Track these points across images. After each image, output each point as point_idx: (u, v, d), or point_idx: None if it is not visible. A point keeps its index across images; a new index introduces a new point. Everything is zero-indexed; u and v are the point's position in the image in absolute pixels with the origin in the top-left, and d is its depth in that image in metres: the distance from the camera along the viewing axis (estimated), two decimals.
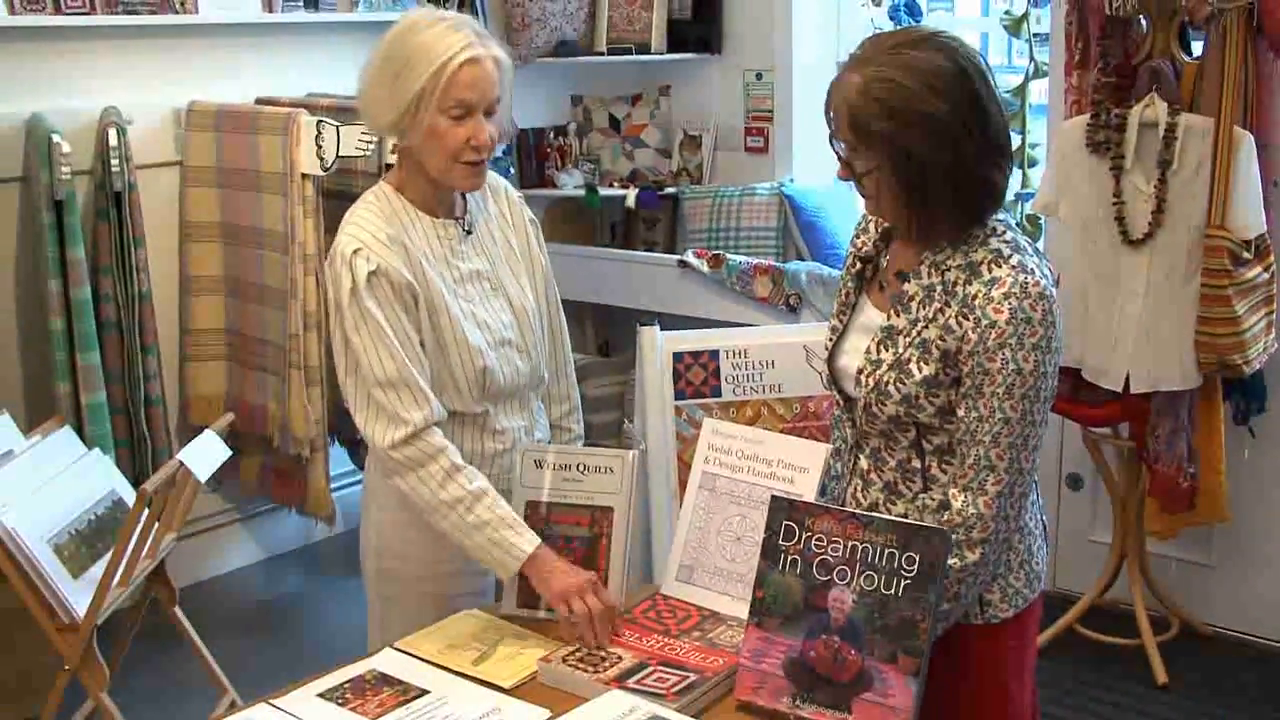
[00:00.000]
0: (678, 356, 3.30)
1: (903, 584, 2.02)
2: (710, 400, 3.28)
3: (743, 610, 2.21)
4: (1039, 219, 4.50)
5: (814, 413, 3.25)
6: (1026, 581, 2.28)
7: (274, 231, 4.35)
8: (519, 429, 2.63)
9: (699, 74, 5.58)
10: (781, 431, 2.88)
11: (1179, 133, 3.63)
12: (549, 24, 5.43)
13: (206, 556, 4.92)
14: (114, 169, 4.10)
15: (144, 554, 3.35)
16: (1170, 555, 4.34)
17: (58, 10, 4.27)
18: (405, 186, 2.53)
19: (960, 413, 2.15)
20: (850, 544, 2.07)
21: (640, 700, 2.09)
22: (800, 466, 2.41)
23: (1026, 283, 2.09)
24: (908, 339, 2.18)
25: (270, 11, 4.81)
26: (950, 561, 2.09)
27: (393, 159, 4.16)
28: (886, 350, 2.21)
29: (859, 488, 2.32)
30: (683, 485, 3.13)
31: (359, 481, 2.70)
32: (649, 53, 5.47)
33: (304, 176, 4.25)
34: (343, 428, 4.69)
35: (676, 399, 3.29)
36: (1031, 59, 4.70)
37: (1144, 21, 3.80)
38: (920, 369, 2.16)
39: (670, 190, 5.54)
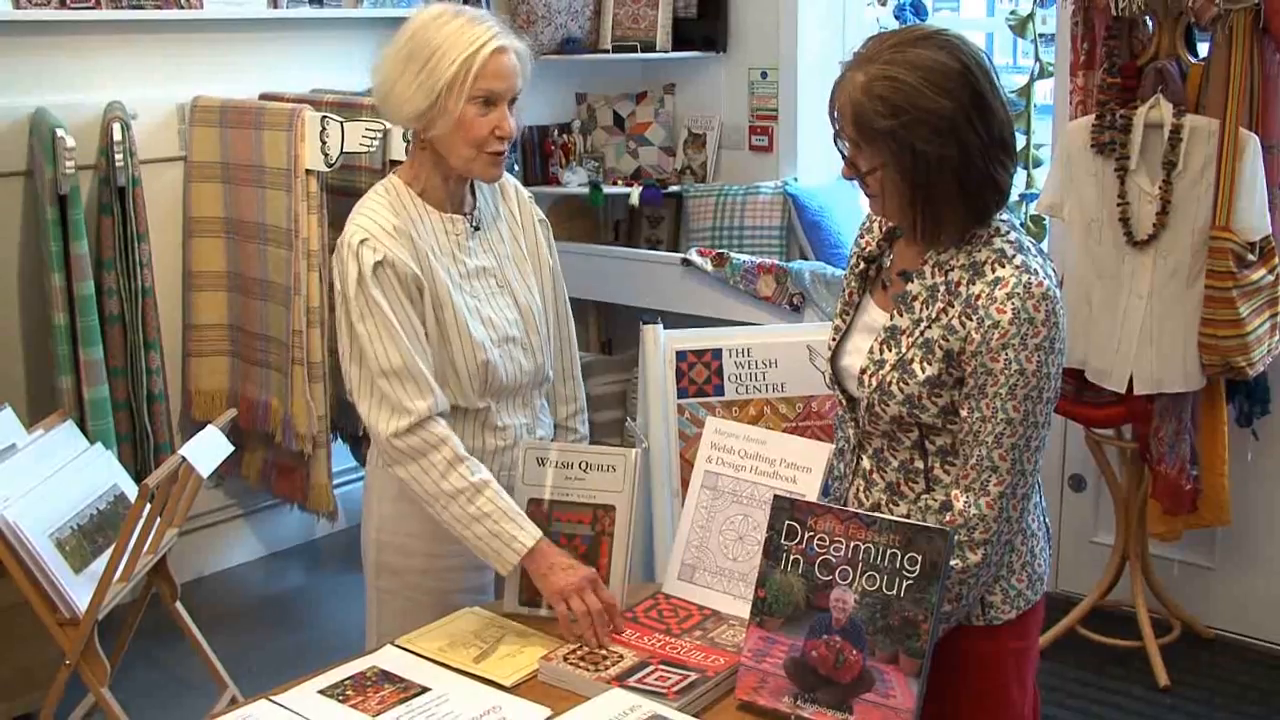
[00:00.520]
0: (681, 355, 3.29)
1: (905, 584, 2.02)
2: (713, 399, 3.28)
3: (744, 610, 2.21)
4: (1043, 219, 4.50)
5: (817, 412, 3.25)
6: (1029, 583, 2.28)
7: (277, 227, 4.35)
8: (521, 426, 2.64)
9: (704, 72, 5.58)
10: (784, 431, 2.88)
11: (1184, 134, 3.63)
12: (554, 21, 5.43)
13: (208, 552, 4.92)
14: (118, 164, 4.10)
15: (146, 549, 3.35)
16: (1172, 557, 4.34)
17: (63, 5, 4.27)
18: (416, 180, 2.54)
19: (963, 413, 2.15)
20: (852, 544, 2.07)
21: (641, 699, 2.09)
22: (803, 466, 2.41)
23: (1030, 283, 2.09)
24: (911, 339, 2.18)
25: (275, 7, 4.81)
26: (952, 563, 2.09)
27: (397, 155, 4.17)
28: (889, 350, 2.20)
29: (861, 488, 2.32)
30: (685, 484, 3.13)
31: (361, 478, 2.70)
32: (654, 51, 5.47)
33: (308, 172, 4.24)
34: (345, 424, 4.70)
35: (679, 397, 3.29)
36: (1037, 59, 4.70)
37: (1150, 22, 3.79)
38: (923, 369, 2.15)
39: (674, 188, 5.54)
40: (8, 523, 3.14)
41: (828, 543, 2.09)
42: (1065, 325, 2.15)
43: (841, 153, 2.19)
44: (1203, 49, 3.78)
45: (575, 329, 2.89)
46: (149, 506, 3.22)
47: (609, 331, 5.82)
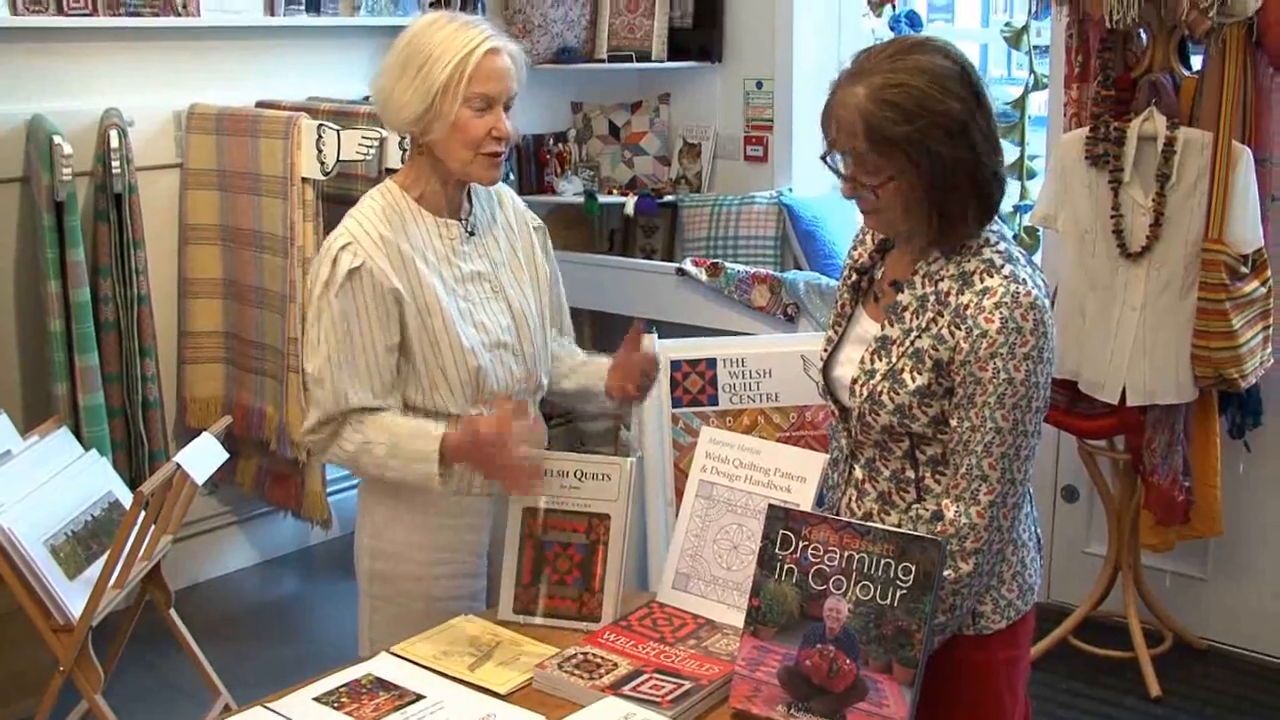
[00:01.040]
0: (675, 365, 3.31)
1: (898, 594, 2.02)
2: (707, 409, 3.29)
3: (738, 619, 2.22)
4: (1037, 231, 4.51)
5: (810, 422, 3.26)
6: (1019, 593, 2.28)
7: (273, 235, 4.35)
8: None
9: (699, 82, 5.59)
10: (778, 440, 2.89)
11: (1178, 146, 3.64)
12: (550, 30, 5.45)
13: (202, 559, 4.92)
14: (115, 171, 4.10)
15: (140, 556, 3.35)
16: (1165, 568, 4.35)
17: (60, 12, 4.28)
18: (413, 185, 2.56)
19: (953, 422, 2.16)
20: (846, 554, 2.07)
21: (636, 707, 2.10)
22: (797, 476, 2.42)
23: (1018, 292, 2.10)
24: (901, 349, 2.19)
25: (271, 15, 4.82)
26: (945, 573, 2.09)
27: (393, 164, 4.18)
28: (880, 360, 2.21)
29: (853, 497, 2.33)
30: (679, 493, 3.15)
31: (355, 485, 2.71)
32: (649, 60, 5.49)
33: (304, 180, 4.25)
34: None
35: (673, 407, 3.31)
36: (1031, 71, 4.72)
37: (1144, 35, 3.81)
38: (913, 379, 2.16)
39: (669, 198, 5.55)
40: (2, 529, 3.14)
41: (822, 552, 2.09)
42: (1054, 335, 2.16)
43: (836, 170, 2.19)
44: (1196, 62, 3.80)
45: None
46: (144, 513, 3.22)
47: (603, 340, 5.81)
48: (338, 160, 4.21)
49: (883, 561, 2.04)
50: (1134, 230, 3.75)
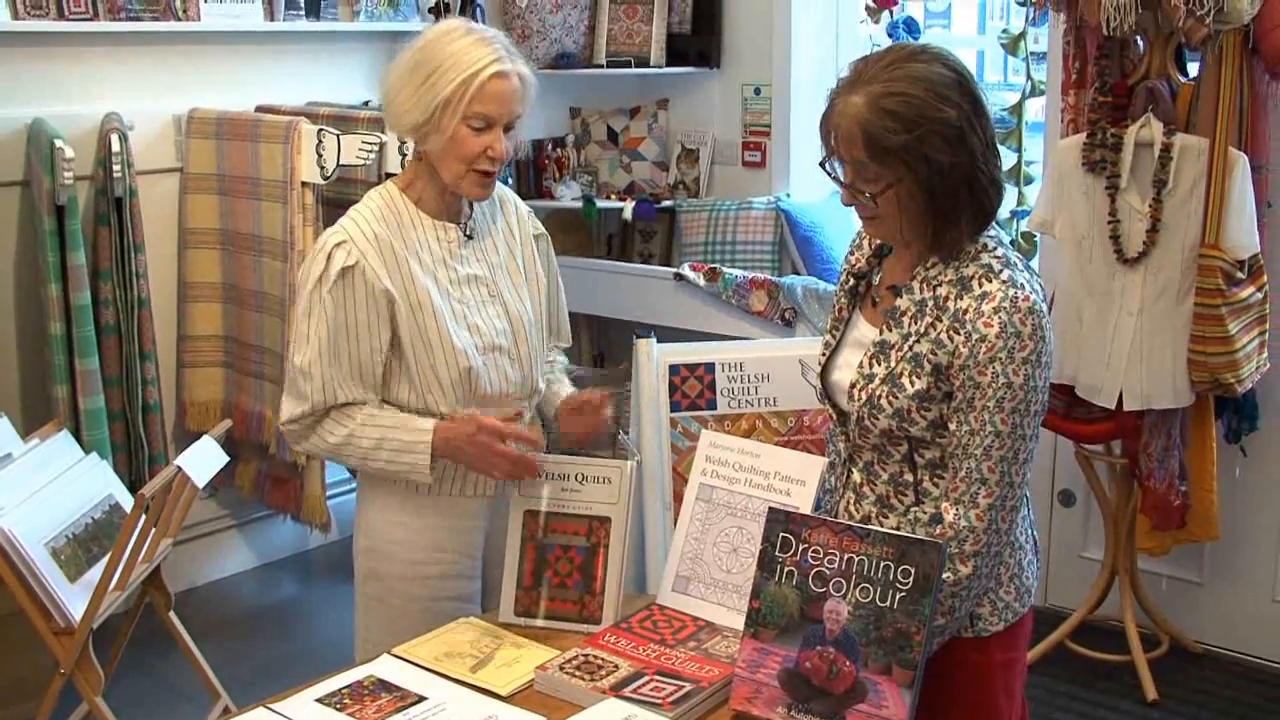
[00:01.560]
0: (674, 369, 3.32)
1: (898, 596, 2.04)
2: (705, 413, 3.30)
3: (738, 621, 2.23)
4: (1034, 236, 4.53)
5: (809, 426, 3.27)
6: (1016, 595, 2.30)
7: (273, 239, 4.36)
8: None
9: (697, 88, 5.61)
10: (776, 444, 2.90)
11: (1174, 153, 3.66)
12: (549, 36, 5.46)
13: (202, 562, 4.92)
14: (115, 175, 4.11)
15: (140, 558, 3.36)
16: (1161, 572, 4.36)
17: (61, 16, 4.29)
18: (412, 187, 2.58)
19: (952, 426, 2.17)
20: (846, 556, 2.09)
21: (637, 709, 2.11)
22: (797, 479, 2.43)
23: (1016, 297, 2.12)
24: (900, 353, 2.20)
25: (271, 20, 4.83)
26: (944, 575, 2.11)
27: (392, 168, 4.19)
28: (879, 365, 2.23)
29: (852, 501, 2.35)
30: (677, 497, 3.16)
31: (354, 489, 2.72)
32: (648, 66, 5.50)
33: (304, 184, 4.26)
34: None
35: (672, 411, 3.31)
36: (1028, 78, 4.73)
37: (1141, 42, 3.83)
38: (912, 383, 2.18)
39: (667, 203, 5.56)
40: (3, 532, 3.15)
41: (821, 555, 2.11)
42: (1052, 339, 2.18)
43: (836, 178, 2.21)
44: (1193, 69, 3.81)
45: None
46: (144, 516, 3.23)
47: (601, 345, 5.84)
48: (338, 165, 4.23)
49: (882, 564, 2.06)
50: (1131, 236, 3.76)
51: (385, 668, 2.32)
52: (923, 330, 2.18)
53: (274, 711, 2.17)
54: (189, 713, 3.90)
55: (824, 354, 2.39)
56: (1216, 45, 3.58)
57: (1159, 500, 3.95)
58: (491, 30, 2.54)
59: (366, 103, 4.94)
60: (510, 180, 5.48)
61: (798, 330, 4.64)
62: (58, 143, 3.88)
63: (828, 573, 2.09)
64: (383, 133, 4.25)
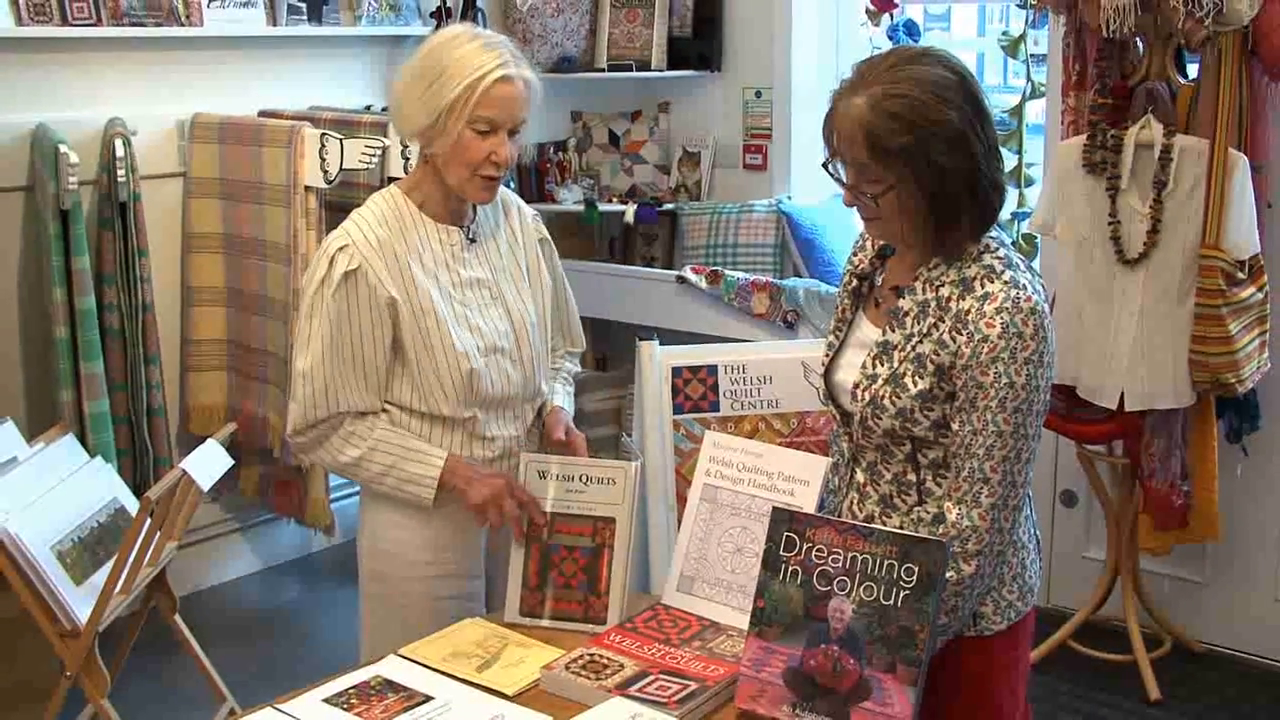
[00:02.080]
0: (676, 371, 3.32)
1: (902, 595, 2.05)
2: (708, 415, 3.31)
3: (742, 621, 2.24)
4: (1035, 238, 4.53)
5: (811, 428, 3.27)
6: (1019, 594, 2.31)
7: (276, 243, 4.38)
8: (511, 438, 2.67)
9: (698, 91, 5.62)
10: (779, 446, 2.91)
11: (1174, 154, 3.67)
12: (550, 40, 5.47)
13: (206, 566, 4.93)
14: (119, 179, 4.13)
15: (145, 562, 3.37)
16: (1163, 572, 4.37)
17: (64, 22, 4.30)
18: (416, 191, 2.60)
19: (954, 426, 2.18)
20: (850, 555, 2.10)
21: (642, 708, 2.12)
22: (800, 479, 2.44)
23: (1018, 298, 2.13)
24: (903, 354, 2.21)
25: (274, 25, 4.84)
26: (947, 575, 2.12)
27: (395, 172, 4.21)
28: (882, 365, 2.24)
29: (855, 500, 2.36)
30: (680, 498, 3.16)
31: (358, 492, 2.73)
32: (649, 70, 5.51)
33: (307, 189, 4.27)
34: None
35: (675, 413, 3.32)
36: (1029, 80, 4.74)
37: (1140, 44, 3.84)
38: (915, 383, 2.19)
39: (669, 206, 5.57)
40: (9, 535, 3.16)
41: (826, 554, 2.12)
42: (1054, 339, 2.19)
43: (838, 179, 2.22)
44: (1192, 70, 3.82)
45: None
46: (150, 519, 3.24)
47: (604, 348, 5.84)
48: (341, 169, 4.24)
49: (886, 563, 2.07)
50: (1131, 237, 3.77)
51: (392, 668, 2.33)
52: (925, 331, 2.19)
53: (282, 712, 2.18)
54: (194, 715, 3.91)
55: (827, 355, 2.40)
56: (1216, 47, 3.59)
57: (1161, 500, 3.95)
58: (498, 36, 2.55)
59: (369, 107, 4.96)
60: (512, 184, 5.48)
61: (800, 332, 4.65)
62: (62, 148, 3.89)
63: (832, 572, 2.10)
64: (385, 137, 4.26)
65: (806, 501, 2.39)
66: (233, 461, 3.60)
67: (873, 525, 2.15)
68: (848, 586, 2.09)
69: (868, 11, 5.07)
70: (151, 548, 3.36)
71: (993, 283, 2.15)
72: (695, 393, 3.32)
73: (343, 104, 4.92)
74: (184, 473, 3.33)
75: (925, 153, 2.10)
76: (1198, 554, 4.29)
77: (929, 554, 2.04)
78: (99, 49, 4.46)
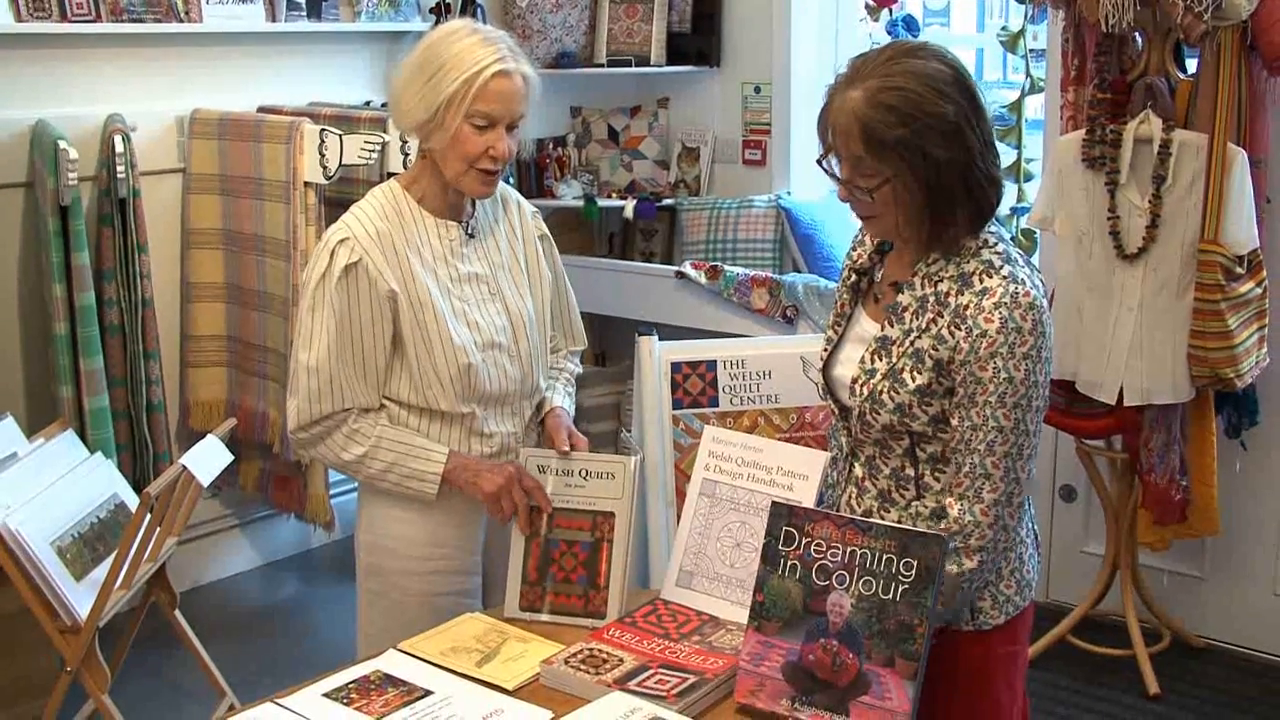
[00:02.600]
0: (675, 366, 3.33)
1: (900, 589, 2.05)
2: (707, 410, 3.31)
3: (742, 615, 2.24)
4: (1034, 232, 4.54)
5: (810, 423, 3.28)
6: (1018, 589, 2.31)
7: (276, 239, 4.38)
8: (509, 434, 2.68)
9: (697, 87, 5.62)
10: (778, 441, 2.91)
11: (1173, 149, 3.67)
12: (549, 36, 5.48)
13: (206, 561, 4.94)
14: (119, 175, 4.13)
15: (145, 557, 3.37)
16: (1162, 567, 4.37)
17: (64, 18, 4.30)
18: (415, 185, 2.60)
19: (954, 422, 2.18)
20: (849, 549, 2.10)
21: (641, 701, 2.12)
22: (799, 473, 2.44)
23: (1017, 293, 2.13)
24: (901, 349, 2.22)
25: (273, 21, 4.84)
26: (949, 568, 2.12)
27: (395, 168, 4.21)
28: (881, 360, 2.24)
29: (853, 495, 2.36)
30: (680, 494, 3.17)
31: (357, 486, 2.74)
32: (648, 65, 5.51)
33: (306, 185, 4.27)
34: None
35: (674, 409, 3.32)
36: (1028, 75, 4.74)
37: (1139, 39, 3.84)
38: (913, 378, 2.19)
39: (668, 202, 5.57)
40: (10, 530, 3.16)
41: (825, 548, 2.12)
42: (1052, 335, 2.19)
43: (833, 174, 2.23)
44: (1191, 65, 3.82)
45: None
46: (150, 515, 3.24)
47: (603, 344, 5.85)
48: (340, 164, 4.24)
49: (885, 557, 2.07)
50: (1130, 232, 3.77)
51: (391, 662, 2.33)
52: (924, 326, 2.19)
53: (282, 706, 2.18)
54: (194, 711, 3.92)
55: (826, 349, 2.40)
56: (1215, 41, 3.59)
57: (1160, 495, 3.96)
58: (497, 31, 2.56)
59: (368, 103, 4.96)
60: (512, 179, 5.48)
61: (799, 328, 4.65)
62: (61, 144, 3.89)
63: (831, 566, 2.11)
64: (384, 132, 4.26)
65: (805, 496, 2.40)
66: (232, 457, 3.60)
67: (871, 520, 2.15)
68: (847, 581, 2.09)
69: (867, 7, 5.08)
70: (151, 543, 3.37)
71: (991, 278, 2.16)
72: (694, 388, 3.32)
73: (342, 100, 4.92)
74: (184, 468, 3.33)
75: (921, 146, 2.10)
76: (1197, 549, 4.29)
77: (927, 548, 2.05)
78: (98, 45, 4.46)
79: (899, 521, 2.26)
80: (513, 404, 2.68)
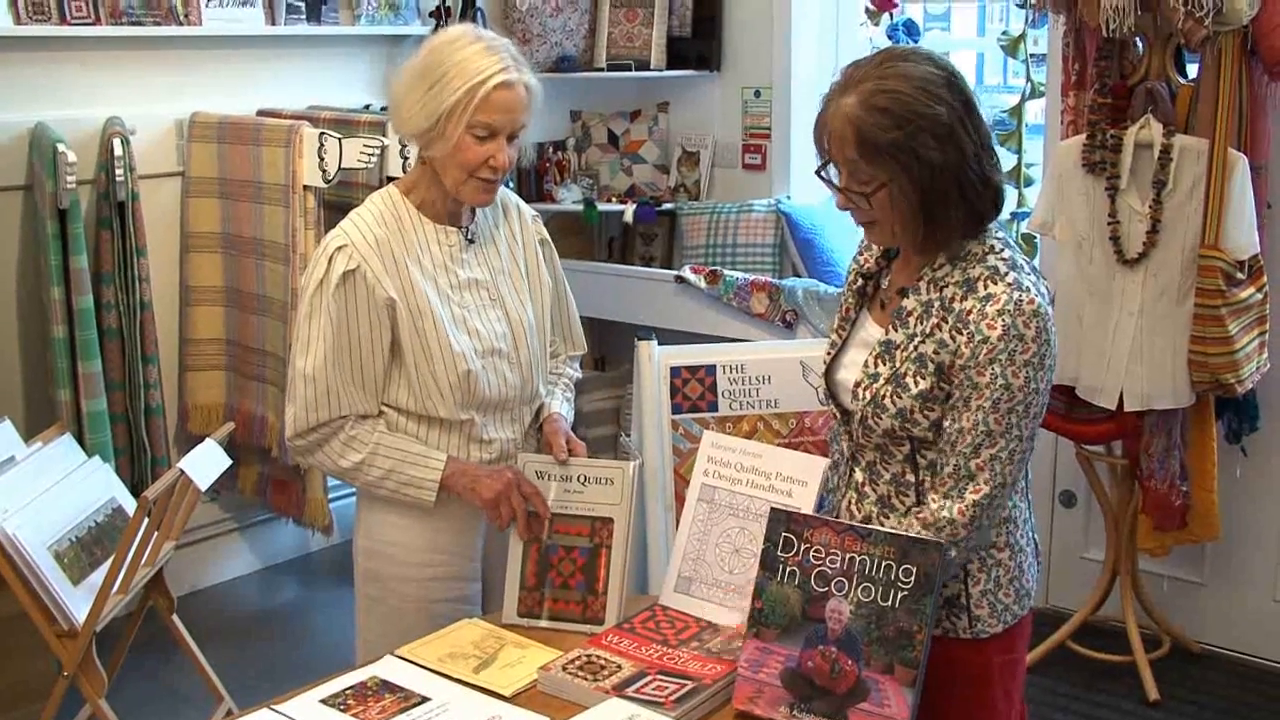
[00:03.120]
0: (675, 371, 3.32)
1: (899, 596, 2.05)
2: (707, 415, 3.31)
3: (740, 621, 2.24)
4: (1034, 237, 4.53)
5: (810, 428, 3.27)
6: (1016, 598, 2.30)
7: (275, 243, 4.37)
8: (508, 441, 2.67)
9: (697, 91, 5.61)
10: (777, 446, 2.91)
11: (1174, 154, 3.67)
12: (550, 40, 5.47)
13: (204, 565, 4.93)
14: (118, 178, 4.12)
15: (143, 562, 3.36)
16: (1162, 573, 4.37)
17: (63, 21, 4.30)
18: (414, 191, 2.59)
19: (945, 423, 2.18)
20: (848, 556, 2.09)
21: (639, 708, 2.11)
22: (799, 479, 2.43)
23: (1021, 300, 2.13)
24: (905, 353, 2.21)
25: (272, 24, 4.84)
26: None
27: (394, 172, 4.20)
28: (884, 364, 2.24)
29: (854, 500, 2.35)
30: (679, 498, 3.16)
31: (355, 492, 2.73)
32: (648, 69, 5.50)
33: (306, 188, 4.27)
34: None
35: (673, 413, 3.32)
36: (1028, 79, 4.74)
37: (1140, 43, 3.83)
38: (916, 383, 2.19)
39: (668, 206, 5.57)
40: (7, 534, 3.15)
41: (823, 554, 2.11)
42: (1056, 342, 2.19)
43: (832, 183, 2.22)
44: (1192, 70, 3.82)
45: None
46: (147, 519, 3.24)
47: (602, 348, 5.84)
48: (339, 168, 4.23)
49: (884, 563, 2.07)
50: (1131, 237, 3.77)
51: (389, 668, 2.33)
52: (928, 331, 2.19)
53: (278, 712, 2.18)
54: (192, 716, 3.91)
55: (829, 353, 2.40)
56: (1215, 46, 3.59)
57: (1160, 500, 3.95)
58: (500, 39, 2.53)
59: (367, 106, 4.95)
60: (511, 184, 5.47)
61: (799, 332, 4.64)
62: (60, 147, 3.89)
63: (829, 572, 2.10)
64: (384, 136, 4.26)
65: (804, 502, 2.39)
66: (230, 461, 3.59)
67: (870, 526, 2.15)
68: (845, 587, 2.09)
69: (867, 11, 5.07)
70: (149, 547, 3.36)
71: (996, 284, 2.15)
72: (694, 393, 3.32)
73: (341, 103, 4.92)
74: (182, 472, 3.32)
75: (914, 148, 2.10)
76: (1197, 554, 4.29)
77: (927, 555, 2.04)
78: (97, 48, 4.45)
79: (899, 527, 2.26)
80: (512, 410, 2.67)
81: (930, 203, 2.14)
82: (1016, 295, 2.13)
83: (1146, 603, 4.27)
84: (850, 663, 2.06)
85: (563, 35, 5.50)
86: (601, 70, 5.55)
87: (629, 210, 5.52)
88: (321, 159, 4.23)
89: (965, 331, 2.14)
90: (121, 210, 4.17)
